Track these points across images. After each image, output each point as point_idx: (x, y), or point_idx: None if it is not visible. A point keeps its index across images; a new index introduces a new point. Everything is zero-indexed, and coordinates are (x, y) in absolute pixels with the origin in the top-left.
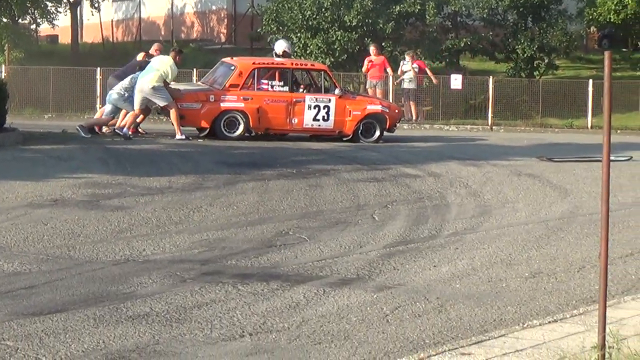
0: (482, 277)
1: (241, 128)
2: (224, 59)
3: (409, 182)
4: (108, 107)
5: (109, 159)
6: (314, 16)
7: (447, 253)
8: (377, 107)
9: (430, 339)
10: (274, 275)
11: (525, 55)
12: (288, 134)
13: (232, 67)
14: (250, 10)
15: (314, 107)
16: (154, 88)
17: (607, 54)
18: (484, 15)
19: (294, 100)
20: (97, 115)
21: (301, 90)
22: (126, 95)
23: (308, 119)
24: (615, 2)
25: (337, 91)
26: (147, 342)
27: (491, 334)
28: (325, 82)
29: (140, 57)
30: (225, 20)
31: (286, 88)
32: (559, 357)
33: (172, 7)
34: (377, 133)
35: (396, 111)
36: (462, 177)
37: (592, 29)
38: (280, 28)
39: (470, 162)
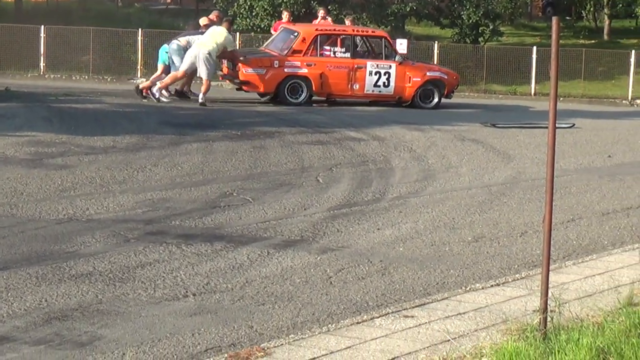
0: (426, 241)
1: (304, 93)
2: (284, 25)
3: (353, 145)
4: (177, 61)
5: (53, 117)
6: None
7: (390, 216)
8: (435, 74)
9: (374, 302)
10: (217, 236)
11: (470, 21)
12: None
13: (295, 34)
14: None
15: (375, 74)
16: (206, 57)
17: (554, 19)
18: None
19: (356, 66)
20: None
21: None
22: (183, 52)
23: (369, 85)
24: None
25: (397, 58)
26: (90, 301)
27: (434, 296)
28: (386, 49)
29: (203, 21)
30: None
31: (348, 54)
32: (501, 320)
33: None
34: (436, 99)
35: (454, 77)
36: (407, 141)
37: None
38: None
39: (414, 126)
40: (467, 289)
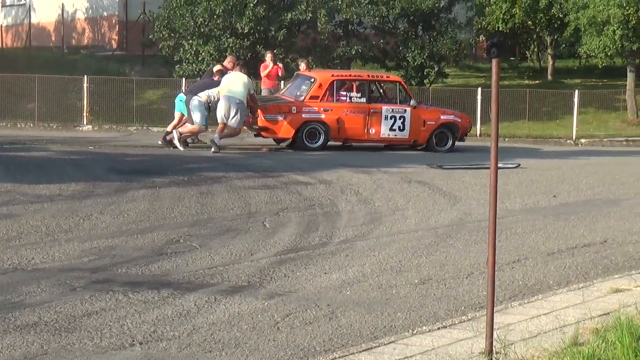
0: (373, 284)
1: (322, 138)
2: (299, 72)
3: (300, 189)
4: (196, 117)
5: None
6: (206, 23)
7: (337, 260)
8: (449, 117)
9: (321, 346)
10: (164, 283)
11: (416, 63)
12: (366, 144)
13: (312, 80)
14: (141, 16)
15: (391, 118)
16: (240, 106)
17: (494, 61)
18: (375, 24)
19: (371, 111)
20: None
21: (377, 101)
22: (204, 107)
23: (385, 129)
24: (503, 12)
25: (412, 102)
26: (35, 352)
27: (381, 340)
28: (400, 93)
29: (217, 68)
30: (117, 26)
31: (363, 99)
32: None
33: (62, 13)
34: (450, 142)
35: (467, 121)
36: (353, 184)
37: (481, 37)
38: (172, 35)
39: (361, 169)
40: (414, 331)
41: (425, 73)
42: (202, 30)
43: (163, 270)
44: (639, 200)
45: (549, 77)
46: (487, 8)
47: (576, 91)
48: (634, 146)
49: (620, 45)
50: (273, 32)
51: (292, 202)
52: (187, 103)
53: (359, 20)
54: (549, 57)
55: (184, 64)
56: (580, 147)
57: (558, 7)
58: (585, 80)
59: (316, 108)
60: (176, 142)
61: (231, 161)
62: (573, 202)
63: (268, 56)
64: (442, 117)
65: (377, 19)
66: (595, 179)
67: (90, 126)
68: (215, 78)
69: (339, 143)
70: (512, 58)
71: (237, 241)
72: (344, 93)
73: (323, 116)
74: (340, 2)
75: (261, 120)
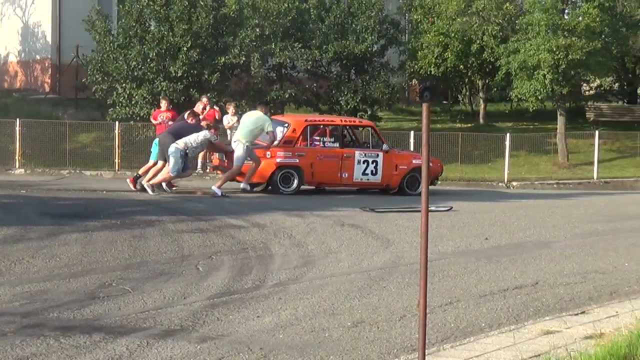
0: (306, 327)
1: (295, 183)
2: (274, 117)
3: (233, 232)
4: (170, 163)
5: None
6: (139, 67)
7: (270, 303)
8: (421, 161)
9: None
10: (96, 327)
11: (349, 106)
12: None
13: (286, 125)
14: (74, 59)
15: (363, 162)
16: (248, 146)
17: (425, 105)
18: (309, 67)
19: (344, 155)
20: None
21: (350, 146)
22: (180, 154)
23: (358, 173)
24: (435, 56)
25: (384, 146)
26: None
27: None
28: (373, 138)
29: (190, 118)
30: (50, 69)
31: (337, 144)
32: None
33: None
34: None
35: (438, 165)
36: (286, 227)
37: (414, 81)
38: (106, 78)
39: (294, 212)
40: None
41: (358, 116)
42: (135, 73)
43: (95, 315)
44: (569, 242)
45: (481, 120)
46: (419, 52)
47: (508, 134)
48: (564, 189)
49: (550, 89)
50: (206, 76)
51: (226, 246)
52: (166, 145)
53: (292, 64)
54: (481, 101)
55: (117, 107)
56: (512, 190)
57: (489, 51)
58: (517, 123)
59: (290, 153)
60: (146, 185)
61: (165, 205)
62: (505, 245)
63: (204, 100)
64: (413, 161)
65: (310, 62)
66: (526, 222)
67: (22, 170)
68: (190, 121)
69: (313, 187)
70: (444, 102)
71: (170, 285)
72: (318, 138)
73: (297, 161)
74: (273, 46)
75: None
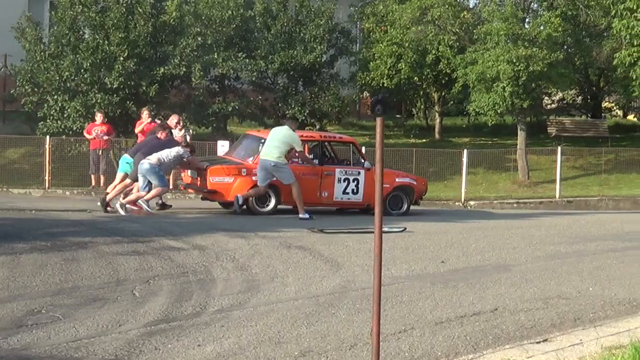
0: (249, 357)
1: (273, 202)
2: (249, 132)
3: (172, 255)
4: (153, 180)
5: None
6: (72, 77)
7: (212, 331)
8: (405, 180)
9: None
10: (24, 357)
11: (296, 120)
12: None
13: (262, 140)
14: (2, 70)
15: (344, 180)
16: (276, 165)
17: (379, 119)
18: (253, 79)
19: (324, 173)
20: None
21: (330, 163)
22: (157, 169)
23: (338, 192)
24: (388, 67)
25: (366, 164)
26: None
27: None
28: (354, 155)
29: (162, 134)
30: None
31: (316, 161)
32: None
33: None
34: (405, 205)
35: (423, 184)
36: (229, 249)
37: (365, 94)
38: (36, 90)
39: (238, 233)
40: None
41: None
42: (68, 85)
43: (23, 344)
44: (530, 265)
45: (437, 135)
46: (371, 63)
47: (465, 151)
48: (525, 208)
49: (510, 103)
50: (144, 87)
51: (164, 269)
52: (136, 164)
53: (236, 75)
54: (437, 115)
55: (49, 120)
56: (470, 210)
57: (446, 62)
58: (475, 138)
59: None
60: (143, 204)
61: (99, 225)
62: (462, 268)
63: (145, 113)
64: (397, 179)
65: (255, 74)
66: (485, 244)
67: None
68: (160, 136)
69: (290, 207)
70: (397, 115)
71: (104, 311)
72: (296, 154)
73: (274, 178)
74: (216, 56)
75: (210, 183)
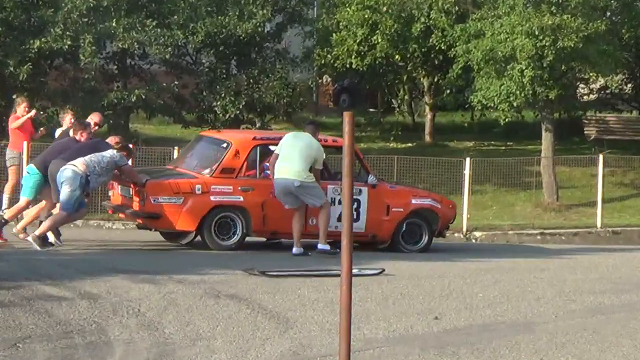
0: None
1: (239, 232)
2: (205, 133)
3: (50, 307)
4: (66, 195)
5: None
6: None
7: None
8: (425, 201)
9: None
10: None
11: (228, 116)
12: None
13: (224, 145)
14: None
15: (339, 202)
16: (302, 185)
17: (347, 115)
18: (167, 57)
19: None
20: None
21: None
22: (83, 180)
23: (332, 218)
24: (358, 41)
25: (370, 178)
26: None
27: None
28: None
29: (82, 135)
30: None
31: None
32: None
33: None
34: (425, 238)
35: (450, 207)
36: (132, 299)
37: (326, 78)
38: None
39: (144, 276)
40: None
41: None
42: None
43: None
44: (562, 324)
45: (427, 137)
46: (334, 35)
47: (467, 160)
48: (552, 242)
49: (531, 93)
50: (12, 68)
51: (39, 328)
52: (52, 172)
53: (143, 51)
54: (427, 109)
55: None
56: (474, 243)
57: (439, 35)
58: (481, 143)
59: (231, 187)
60: (49, 235)
61: None
62: (464, 327)
63: (22, 105)
64: (413, 201)
65: (169, 49)
66: (497, 292)
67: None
68: (80, 137)
69: (263, 239)
70: (371, 109)
71: None
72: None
73: (241, 199)
74: (114, 25)
75: (150, 205)
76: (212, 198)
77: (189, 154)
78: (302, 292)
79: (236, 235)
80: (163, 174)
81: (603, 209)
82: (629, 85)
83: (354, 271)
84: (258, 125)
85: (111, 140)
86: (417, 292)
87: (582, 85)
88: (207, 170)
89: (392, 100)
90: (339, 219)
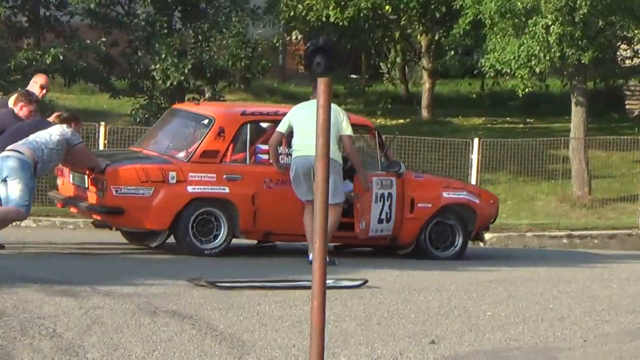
0: None
1: (223, 232)
2: (180, 106)
3: None
4: (15, 190)
5: None
6: None
7: None
8: (459, 195)
9: None
10: None
11: (170, 82)
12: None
13: (206, 121)
14: None
15: (380, 198)
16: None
17: (322, 82)
18: (92, 6)
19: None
20: None
21: None
22: (31, 168)
23: (374, 219)
24: None
25: (402, 168)
26: None
27: None
28: (371, 151)
29: (25, 109)
30: None
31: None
32: None
33: None
34: (460, 241)
35: (491, 202)
36: (45, 316)
37: (296, 35)
38: None
39: (62, 287)
40: None
41: (187, 100)
42: None
43: None
44: (592, 350)
45: (424, 112)
46: None
47: (475, 141)
48: (582, 246)
49: (558, 55)
50: None
51: None
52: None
53: None
54: (424, 76)
55: None
56: (483, 248)
57: None
58: (493, 119)
59: (214, 175)
60: None
61: None
62: (468, 354)
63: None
64: (444, 194)
65: None
66: (510, 310)
67: None
68: (22, 111)
69: (254, 241)
70: (353, 75)
71: None
72: (265, 147)
73: (226, 190)
74: None
75: (111, 197)
76: (189, 189)
77: (159, 133)
78: (263, 309)
79: (220, 237)
80: (127, 158)
81: None
82: None
83: (329, 282)
84: (208, 95)
85: (39, 78)
86: (409, 309)
87: (624, 47)
88: (183, 154)
89: (380, 64)
90: (380, 220)
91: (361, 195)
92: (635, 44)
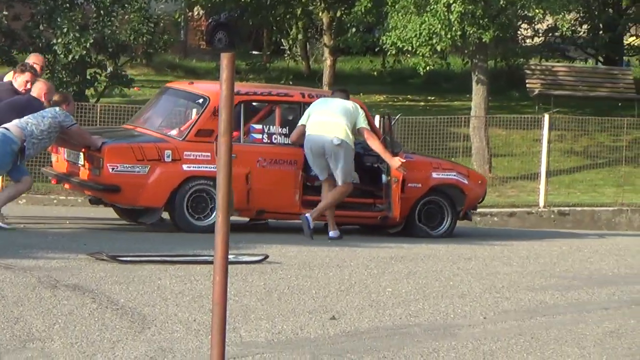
0: None
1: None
2: (173, 84)
3: None
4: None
5: None
6: None
7: None
8: (449, 176)
9: None
10: None
11: (72, 57)
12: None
13: (201, 100)
14: None
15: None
16: (342, 144)
17: (225, 57)
18: None
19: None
20: None
21: None
22: (18, 148)
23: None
24: None
25: (391, 144)
26: None
27: None
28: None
29: (23, 84)
30: None
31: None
32: None
33: None
34: (448, 220)
35: (478, 182)
36: None
37: (198, 11)
38: None
39: None
40: None
41: (88, 78)
42: None
43: None
44: (492, 327)
45: (326, 88)
46: None
47: (376, 118)
48: (482, 224)
49: (459, 34)
50: None
51: None
52: None
53: None
54: (326, 52)
55: None
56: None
57: None
58: (394, 96)
59: (208, 154)
60: None
61: None
62: (368, 330)
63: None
64: (434, 174)
65: None
66: (411, 287)
67: None
68: (20, 88)
69: (246, 219)
70: (254, 52)
71: None
72: (259, 127)
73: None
74: None
75: (107, 174)
76: (184, 167)
77: (153, 111)
78: (163, 283)
79: (214, 214)
80: (122, 136)
81: (547, 183)
82: (584, 26)
83: (230, 257)
84: (110, 69)
85: (34, 58)
86: (309, 285)
87: (524, 26)
88: (177, 132)
89: (282, 40)
90: None
91: (399, 178)
92: (535, 23)
